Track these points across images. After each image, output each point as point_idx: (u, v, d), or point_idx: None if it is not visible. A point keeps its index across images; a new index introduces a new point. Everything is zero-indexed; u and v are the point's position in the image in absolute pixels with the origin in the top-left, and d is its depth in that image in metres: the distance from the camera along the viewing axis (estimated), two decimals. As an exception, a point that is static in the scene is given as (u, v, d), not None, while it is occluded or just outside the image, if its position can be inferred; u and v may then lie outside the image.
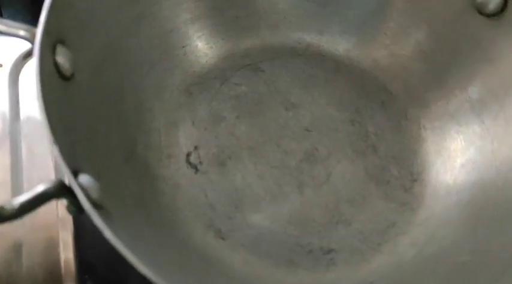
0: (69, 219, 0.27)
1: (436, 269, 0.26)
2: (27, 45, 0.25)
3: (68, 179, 0.18)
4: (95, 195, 0.19)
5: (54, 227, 0.26)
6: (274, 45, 0.34)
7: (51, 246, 0.26)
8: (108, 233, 0.17)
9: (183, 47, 0.32)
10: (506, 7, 0.28)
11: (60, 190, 0.18)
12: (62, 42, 0.23)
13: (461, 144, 0.30)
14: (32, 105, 0.31)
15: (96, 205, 0.19)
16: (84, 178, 0.19)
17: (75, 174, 0.19)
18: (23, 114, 0.31)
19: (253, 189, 0.29)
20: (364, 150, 0.31)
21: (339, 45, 0.34)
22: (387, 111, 0.32)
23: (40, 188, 0.18)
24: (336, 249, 0.27)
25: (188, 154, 0.29)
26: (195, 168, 0.29)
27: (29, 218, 0.26)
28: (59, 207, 0.27)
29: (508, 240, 0.24)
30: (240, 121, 0.31)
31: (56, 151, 0.18)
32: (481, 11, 0.29)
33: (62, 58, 0.23)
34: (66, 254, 0.26)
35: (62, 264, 0.26)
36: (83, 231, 0.28)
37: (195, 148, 0.30)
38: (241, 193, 0.28)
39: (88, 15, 0.26)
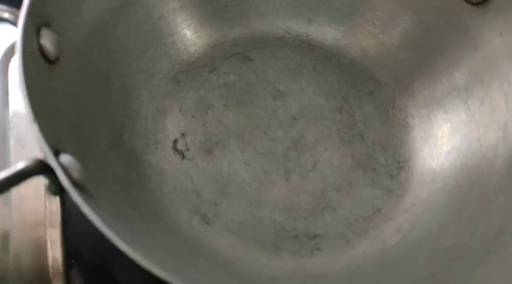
0: (57, 217, 0.27)
1: (421, 254, 0.26)
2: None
3: (47, 156, 0.18)
4: (76, 174, 0.20)
5: (42, 225, 0.26)
6: (263, 34, 0.34)
7: (39, 244, 0.26)
8: (86, 210, 0.17)
9: (172, 35, 0.32)
10: (492, -5, 0.28)
11: (39, 168, 0.18)
12: (47, 25, 0.23)
13: (447, 131, 0.30)
14: (21, 94, 0.31)
15: (77, 184, 0.19)
16: (66, 158, 0.19)
17: (56, 153, 0.19)
18: (12, 103, 0.31)
19: (239, 175, 0.29)
20: (351, 138, 0.31)
21: (327, 34, 0.34)
22: (375, 100, 0.32)
23: (19, 165, 0.18)
24: (321, 235, 0.27)
25: (175, 141, 0.29)
26: (182, 155, 0.29)
27: (16, 216, 0.26)
28: (47, 205, 0.27)
29: (490, 222, 0.24)
30: (228, 109, 0.31)
31: (35, 129, 0.18)
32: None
33: (47, 41, 0.23)
34: (54, 252, 0.26)
35: (50, 262, 0.26)
36: (70, 218, 0.28)
37: (182, 135, 0.30)
38: (227, 179, 0.28)
39: (74, 1, 0.26)
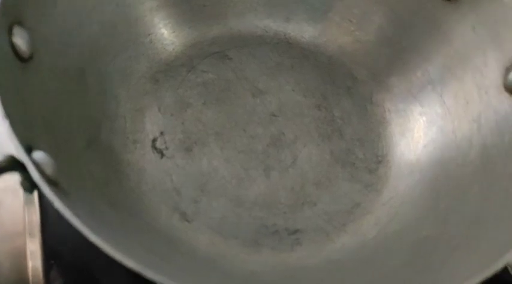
0: (36, 227, 0.27)
1: (399, 246, 0.26)
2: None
3: (18, 152, 0.18)
4: (49, 171, 0.19)
5: (21, 235, 0.26)
6: (242, 33, 0.34)
7: (19, 254, 0.26)
8: (59, 205, 0.17)
9: (149, 34, 0.32)
10: (463, -10, 0.29)
11: (11, 164, 0.18)
12: (20, 23, 0.23)
13: (424, 124, 0.30)
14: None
15: (50, 181, 0.19)
16: (39, 155, 0.19)
17: (29, 149, 0.19)
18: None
19: (219, 173, 0.29)
20: (330, 134, 0.31)
21: (305, 32, 0.34)
22: (353, 96, 0.32)
23: (-10, 162, 0.18)
24: (301, 229, 0.27)
25: (154, 140, 0.29)
26: (161, 153, 0.29)
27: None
28: (26, 214, 0.27)
29: (465, 213, 0.25)
30: (207, 108, 0.31)
31: (6, 124, 0.18)
32: (440, -5, 0.30)
33: (19, 39, 0.23)
34: (34, 262, 0.26)
35: (30, 272, 0.25)
36: (49, 218, 0.27)
37: (161, 133, 0.30)
38: (207, 177, 0.28)
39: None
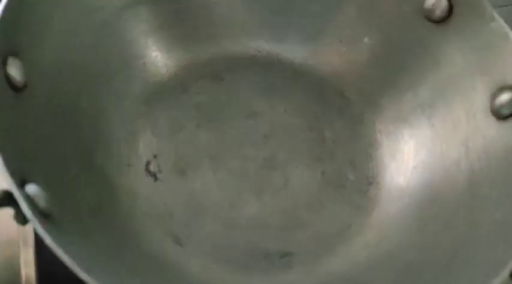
0: (30, 235, 0.27)
1: (387, 268, 0.26)
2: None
3: (11, 188, 0.18)
4: (42, 204, 0.20)
5: (15, 244, 0.26)
6: (235, 54, 0.34)
7: (12, 263, 0.26)
8: (49, 242, 0.17)
9: (143, 57, 0.32)
10: (452, 14, 0.29)
11: (5, 199, 0.18)
12: (14, 54, 0.23)
13: (413, 146, 0.31)
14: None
15: (43, 214, 0.19)
16: (32, 188, 0.20)
17: (23, 183, 0.19)
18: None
19: (212, 195, 0.29)
20: (322, 156, 0.31)
21: (297, 53, 0.35)
22: (344, 117, 0.33)
23: (-17, 197, 0.18)
24: (293, 252, 0.28)
25: (147, 163, 0.30)
26: (154, 177, 0.29)
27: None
28: None
29: (452, 236, 0.25)
30: (200, 130, 0.31)
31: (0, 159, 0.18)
32: (428, 18, 0.30)
33: (14, 70, 0.23)
34: (28, 270, 0.26)
35: (23, 281, 0.26)
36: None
37: (155, 156, 0.30)
38: (200, 200, 0.29)
39: (42, 28, 0.26)
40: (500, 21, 0.27)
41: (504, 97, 0.27)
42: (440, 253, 0.25)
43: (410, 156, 0.31)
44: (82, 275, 0.17)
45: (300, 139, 0.32)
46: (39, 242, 0.26)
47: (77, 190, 0.25)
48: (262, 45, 0.35)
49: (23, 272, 0.26)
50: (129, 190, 0.28)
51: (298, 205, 0.29)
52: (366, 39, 0.33)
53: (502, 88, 0.27)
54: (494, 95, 0.27)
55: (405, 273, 0.26)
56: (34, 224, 0.18)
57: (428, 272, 0.25)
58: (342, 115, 0.33)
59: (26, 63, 0.24)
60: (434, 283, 0.24)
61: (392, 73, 0.32)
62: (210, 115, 0.32)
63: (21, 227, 0.27)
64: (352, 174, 0.31)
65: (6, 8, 0.23)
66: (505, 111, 0.27)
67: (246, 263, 0.27)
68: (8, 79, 0.23)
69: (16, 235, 0.27)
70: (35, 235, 0.27)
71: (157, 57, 0.32)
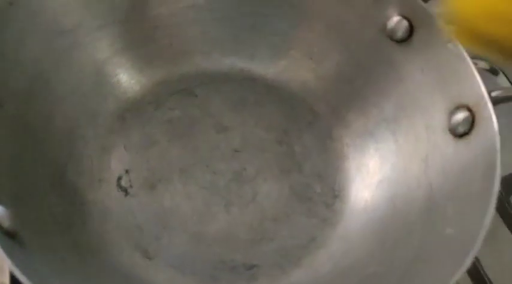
0: (5, 259, 0.27)
1: (350, 280, 0.27)
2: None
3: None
4: (7, 224, 0.21)
5: None
6: (208, 70, 0.35)
7: None
8: (9, 263, 0.18)
9: (116, 74, 0.33)
10: (412, 34, 0.30)
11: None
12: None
13: (378, 160, 0.32)
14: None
15: (8, 233, 0.20)
16: (-4, 209, 0.21)
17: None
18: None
19: (181, 209, 0.30)
20: (290, 169, 0.32)
21: (269, 69, 0.35)
22: (313, 131, 0.34)
23: None
24: (258, 265, 0.29)
25: (119, 178, 0.31)
26: (125, 191, 0.30)
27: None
28: None
29: (408, 250, 0.26)
30: (172, 145, 0.32)
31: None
32: (391, 37, 0.31)
33: (-17, 92, 0.24)
34: (2, 278, 0.27)
35: None
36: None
37: (126, 172, 0.31)
38: (169, 213, 0.30)
39: (14, 49, 0.27)
40: (457, 43, 0.28)
41: (460, 116, 0.28)
42: (396, 267, 0.26)
43: (375, 169, 0.32)
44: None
45: (270, 153, 0.33)
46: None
47: (45, 207, 0.26)
48: (235, 62, 0.35)
49: None
50: (100, 205, 0.29)
51: (266, 218, 0.30)
52: (333, 56, 0.34)
53: (458, 107, 0.28)
54: (451, 113, 0.28)
55: (366, 285, 0.27)
56: (-4, 245, 0.18)
57: (387, 282, 0.26)
58: (311, 129, 0.34)
59: (-4, 86, 0.25)
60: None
61: (358, 89, 0.33)
62: (182, 130, 0.33)
63: None
64: (319, 186, 0.32)
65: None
66: (461, 129, 0.28)
67: (213, 275, 0.28)
68: (-22, 102, 0.24)
69: None
70: None
71: (131, 74, 0.33)
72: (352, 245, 0.29)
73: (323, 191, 0.32)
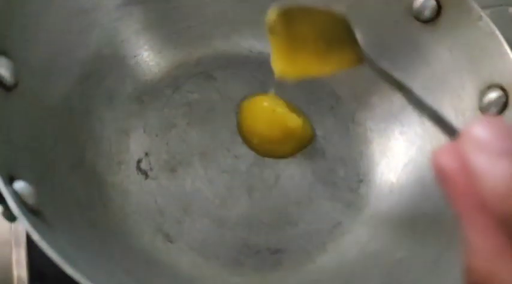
0: (22, 235, 0.27)
1: (377, 266, 0.27)
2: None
3: (-1, 185, 0.18)
4: (31, 201, 0.20)
5: (8, 244, 0.26)
6: (227, 53, 0.34)
7: (4, 264, 0.26)
8: (36, 238, 0.17)
9: (135, 56, 0.32)
10: (440, 14, 0.29)
11: (-9, 196, 0.19)
12: (4, 53, 0.24)
13: (404, 144, 0.31)
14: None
15: (32, 210, 0.20)
16: (21, 184, 0.20)
17: (11, 179, 0.20)
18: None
19: (202, 193, 0.29)
20: (312, 153, 0.32)
21: (289, 52, 0.35)
22: (335, 115, 0.33)
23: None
24: (283, 249, 0.28)
25: (139, 161, 0.30)
26: (145, 174, 0.29)
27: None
28: (11, 224, 0.27)
29: (440, 234, 0.25)
30: (191, 128, 0.32)
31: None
32: (418, 18, 0.30)
33: (4, 69, 0.23)
34: (19, 272, 0.26)
35: (15, 282, 0.26)
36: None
37: (146, 154, 0.30)
38: (190, 197, 0.29)
39: (32, 27, 0.26)
40: (488, 21, 0.27)
41: (492, 95, 0.27)
42: (428, 251, 0.25)
43: (400, 153, 0.31)
44: (69, 270, 0.17)
45: (292, 137, 0.32)
46: (31, 243, 0.27)
47: (66, 188, 0.25)
48: (254, 44, 0.35)
49: (15, 273, 0.26)
50: (119, 187, 0.28)
51: (289, 202, 0.30)
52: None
53: (490, 87, 0.27)
54: (482, 93, 0.28)
55: (395, 270, 0.26)
56: (21, 221, 0.18)
57: (415, 271, 0.25)
58: (333, 113, 0.33)
59: (16, 63, 0.24)
60: (423, 280, 0.24)
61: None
62: (202, 113, 0.32)
63: (13, 228, 0.27)
64: (343, 171, 0.31)
65: (-4, 7, 0.23)
66: (493, 109, 0.27)
67: (237, 260, 0.27)
68: (-1, 78, 0.23)
69: (8, 235, 0.27)
70: (27, 235, 0.27)
71: (149, 56, 0.33)
72: (379, 230, 0.28)
73: (347, 175, 0.31)
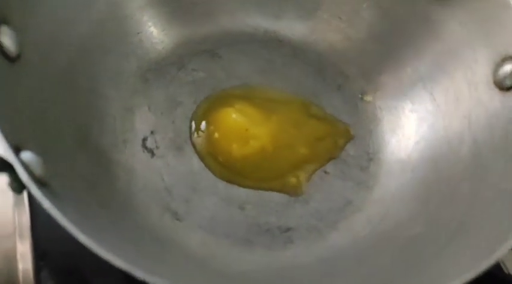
0: (26, 227, 0.26)
1: (390, 244, 0.26)
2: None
3: (6, 152, 0.18)
4: (38, 171, 0.19)
5: (12, 237, 0.26)
6: (232, 31, 0.34)
7: (9, 257, 0.25)
8: (47, 205, 0.17)
9: (139, 33, 0.31)
10: (452, -14, 0.29)
11: (-1, 165, 0.18)
12: (6, 22, 0.23)
13: (415, 121, 0.30)
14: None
15: (39, 181, 0.19)
16: (28, 155, 0.19)
17: (18, 149, 0.19)
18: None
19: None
20: (322, 132, 0.31)
21: (295, 30, 0.34)
22: (344, 94, 0.32)
23: (-23, 163, 0.18)
24: (294, 227, 0.27)
25: (144, 139, 0.29)
26: (151, 153, 0.29)
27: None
28: (16, 216, 0.26)
29: (455, 210, 0.25)
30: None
31: (-6, 125, 0.17)
32: (428, -9, 0.30)
33: (7, 39, 0.22)
34: (24, 264, 0.25)
35: (20, 275, 0.25)
36: (39, 219, 0.27)
37: (152, 133, 0.29)
38: (198, 176, 0.28)
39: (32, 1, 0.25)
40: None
41: (507, 68, 0.26)
42: (443, 228, 0.24)
43: (411, 131, 0.30)
44: (81, 237, 0.16)
45: (299, 116, 0.31)
46: (35, 236, 0.26)
47: (72, 163, 0.24)
48: (260, 22, 0.34)
49: (20, 266, 0.25)
50: (125, 166, 0.27)
51: (299, 180, 0.29)
52: (364, 15, 0.33)
53: (505, 59, 0.27)
54: (497, 66, 0.27)
55: (408, 248, 0.25)
56: (31, 188, 0.17)
57: (430, 247, 0.25)
58: (341, 91, 0.32)
59: (18, 33, 0.23)
60: (437, 259, 0.23)
61: (392, 48, 0.32)
62: (207, 91, 0.31)
63: (17, 221, 0.26)
64: (353, 149, 0.30)
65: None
66: (508, 82, 0.26)
67: (247, 238, 0.26)
68: (1, 48, 0.22)
69: (12, 228, 0.26)
70: (32, 228, 0.26)
71: (154, 34, 0.32)
72: (391, 208, 0.28)
73: (357, 154, 0.30)
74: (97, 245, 0.17)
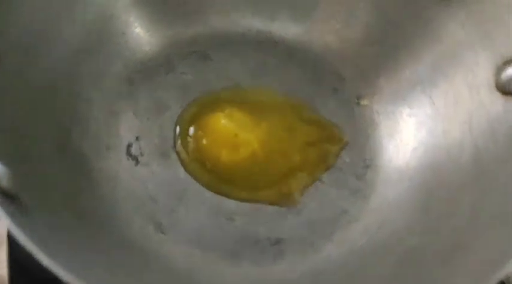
0: (3, 234, 0.25)
1: (388, 254, 0.25)
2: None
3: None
4: (6, 183, 0.18)
5: None
6: (224, 31, 0.32)
7: None
8: (8, 223, 0.15)
9: (124, 33, 0.30)
10: (452, -14, 0.27)
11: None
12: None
13: (413, 126, 0.29)
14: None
15: (6, 194, 0.18)
16: (-6, 166, 0.18)
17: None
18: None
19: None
20: (316, 137, 0.30)
21: (290, 30, 0.32)
22: (340, 97, 0.31)
23: None
24: (285, 239, 0.26)
25: (129, 146, 0.28)
26: (136, 160, 0.27)
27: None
28: None
29: (456, 221, 0.23)
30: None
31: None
32: (428, -9, 0.28)
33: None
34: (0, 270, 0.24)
35: None
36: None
37: (137, 139, 0.28)
38: (184, 184, 0.27)
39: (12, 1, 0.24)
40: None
41: (510, 71, 0.25)
42: (443, 237, 0.23)
43: (409, 136, 0.29)
44: (45, 261, 0.15)
45: (293, 120, 0.30)
46: (12, 243, 0.25)
47: (49, 173, 0.23)
48: (253, 23, 0.33)
49: None
50: (108, 174, 0.26)
51: (291, 189, 0.28)
52: (361, 15, 0.31)
53: (508, 62, 0.25)
54: (499, 69, 0.26)
55: (406, 259, 0.24)
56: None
57: (430, 259, 0.23)
58: (337, 95, 0.31)
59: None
60: (436, 270, 0.22)
61: (389, 50, 0.30)
62: (197, 95, 0.30)
63: None
64: (349, 156, 0.29)
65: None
66: (512, 86, 0.25)
67: (234, 251, 0.25)
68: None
69: None
70: (8, 235, 0.25)
71: (140, 34, 0.30)
72: (388, 217, 0.26)
73: (353, 161, 0.29)
74: (60, 268, 0.15)
